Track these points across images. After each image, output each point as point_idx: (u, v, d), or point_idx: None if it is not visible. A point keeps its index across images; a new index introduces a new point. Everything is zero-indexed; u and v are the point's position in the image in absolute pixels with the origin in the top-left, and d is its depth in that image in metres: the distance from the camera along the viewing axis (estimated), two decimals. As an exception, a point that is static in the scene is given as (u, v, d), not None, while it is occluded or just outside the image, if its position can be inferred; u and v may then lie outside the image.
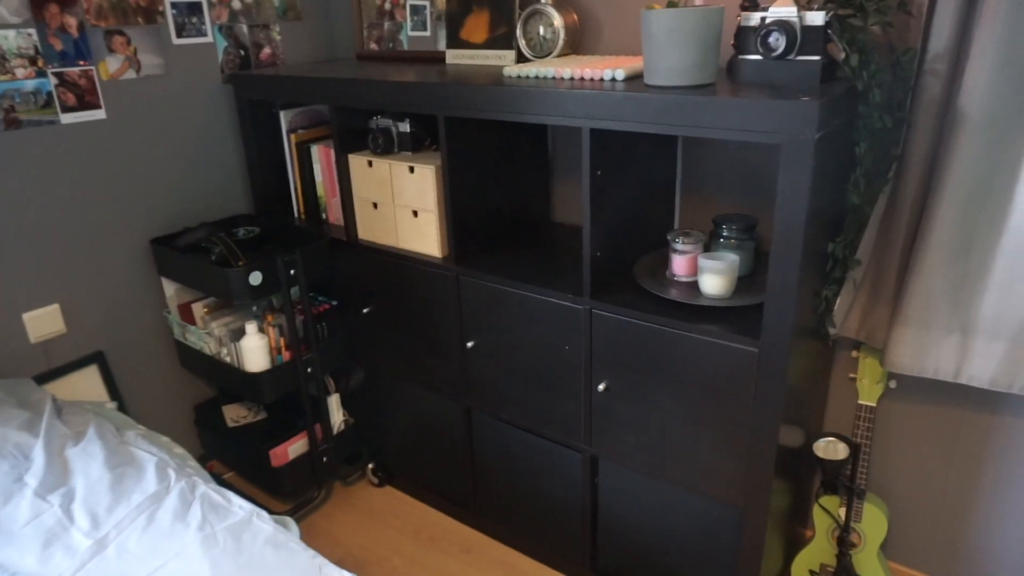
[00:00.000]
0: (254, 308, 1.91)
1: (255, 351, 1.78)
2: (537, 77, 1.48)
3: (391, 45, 2.09)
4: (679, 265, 1.47)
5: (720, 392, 1.34)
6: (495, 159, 1.69)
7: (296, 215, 2.04)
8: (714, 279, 1.38)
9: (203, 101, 1.94)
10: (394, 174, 1.71)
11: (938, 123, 1.26)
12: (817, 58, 1.20)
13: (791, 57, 1.21)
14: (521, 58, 1.71)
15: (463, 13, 1.80)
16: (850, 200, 1.33)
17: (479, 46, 1.79)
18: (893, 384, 1.53)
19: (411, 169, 1.67)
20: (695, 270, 1.46)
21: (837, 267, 1.38)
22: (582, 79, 1.42)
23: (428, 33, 2.00)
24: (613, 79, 1.38)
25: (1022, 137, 1.18)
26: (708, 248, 1.47)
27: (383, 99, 1.62)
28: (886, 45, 1.25)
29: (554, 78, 1.45)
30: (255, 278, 1.68)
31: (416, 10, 2.03)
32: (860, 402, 1.52)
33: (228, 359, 1.83)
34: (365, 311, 1.87)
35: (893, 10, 1.23)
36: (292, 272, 1.75)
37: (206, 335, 1.84)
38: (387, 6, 2.08)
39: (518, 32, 1.68)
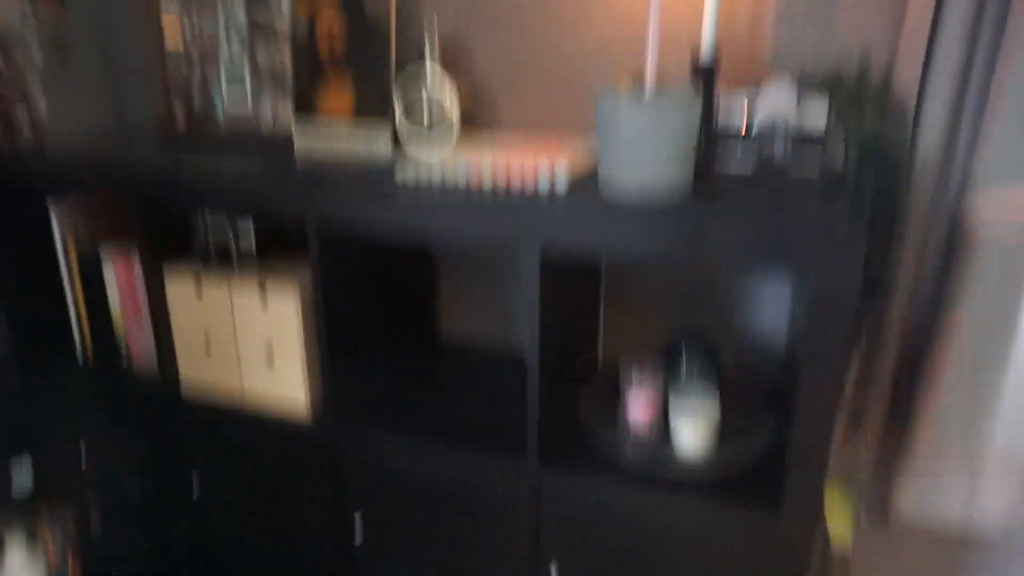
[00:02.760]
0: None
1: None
2: (445, 175, 1.11)
3: (204, 112, 1.60)
4: (637, 405, 1.16)
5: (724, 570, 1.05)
6: (375, 272, 1.28)
7: (82, 355, 1.45)
8: (694, 427, 1.09)
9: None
10: (236, 296, 1.24)
11: (926, 234, 1.10)
12: (819, 162, 0.97)
13: (791, 160, 0.97)
14: (400, 132, 1.32)
15: (317, 79, 1.38)
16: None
17: (340, 120, 1.37)
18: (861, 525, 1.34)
19: (263, 289, 1.21)
20: (654, 410, 1.17)
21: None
22: (509, 178, 1.08)
23: (249, 107, 1.54)
24: (553, 180, 1.06)
25: (1027, 251, 1.04)
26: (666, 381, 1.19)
27: (226, 201, 1.15)
28: (876, 141, 1.06)
29: (468, 176, 1.10)
30: (23, 477, 1.10)
31: (234, 72, 1.57)
32: (834, 546, 1.31)
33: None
34: (196, 498, 1.33)
35: (880, 105, 1.05)
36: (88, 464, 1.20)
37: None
38: (196, 72, 1.59)
39: (397, 102, 1.30)
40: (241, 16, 1.51)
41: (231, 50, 1.54)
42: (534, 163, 1.08)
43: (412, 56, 1.29)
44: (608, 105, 0.94)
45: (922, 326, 1.13)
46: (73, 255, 1.40)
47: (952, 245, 1.08)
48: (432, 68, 1.25)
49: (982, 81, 1.03)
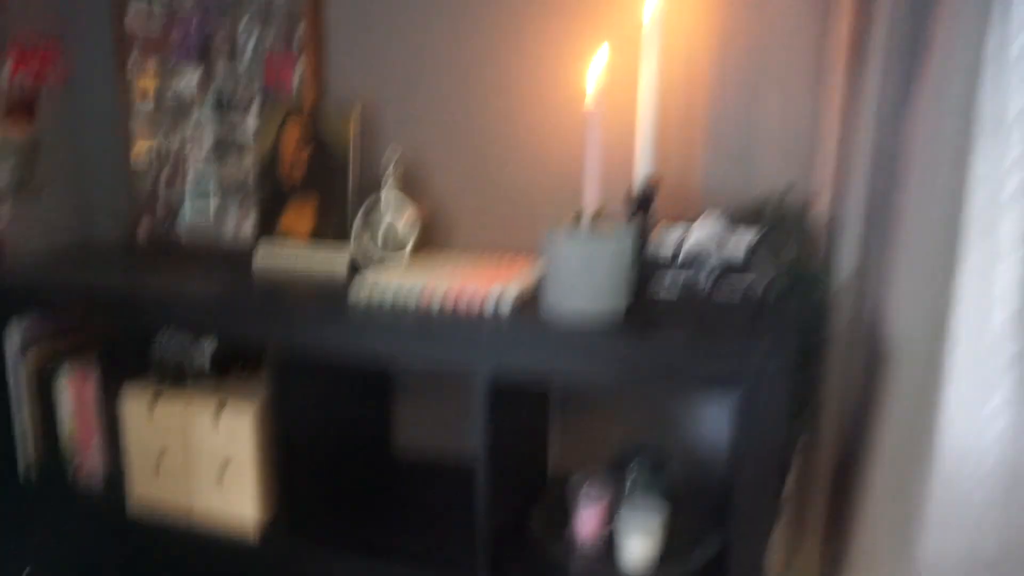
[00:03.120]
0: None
1: None
2: (399, 296, 1.17)
3: (167, 226, 1.65)
4: (587, 519, 1.19)
5: None
6: (331, 387, 1.31)
7: (24, 468, 1.42)
8: (641, 542, 1.12)
9: None
10: (192, 414, 1.26)
11: (852, 348, 1.19)
12: (745, 286, 1.06)
13: (718, 285, 1.06)
14: (360, 254, 1.39)
15: (280, 201, 1.46)
16: (775, 436, 1.18)
17: (302, 241, 1.44)
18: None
19: (219, 408, 1.24)
20: (604, 524, 1.20)
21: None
22: (459, 301, 1.14)
23: (211, 209, 1.60)
24: (501, 302, 1.12)
25: (940, 365, 1.12)
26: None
27: (182, 318, 1.19)
28: (798, 267, 1.16)
29: (421, 298, 1.16)
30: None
31: (201, 179, 1.63)
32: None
33: None
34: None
35: (800, 236, 1.16)
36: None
37: None
38: (163, 178, 1.66)
39: (357, 226, 1.37)
40: (209, 132, 1.59)
41: (197, 164, 1.61)
42: (484, 288, 1.14)
43: (374, 179, 1.38)
44: (550, 239, 1.02)
45: (853, 437, 1.20)
46: (29, 372, 1.40)
47: (873, 358, 1.17)
48: (391, 195, 1.33)
49: (888, 208, 1.15)
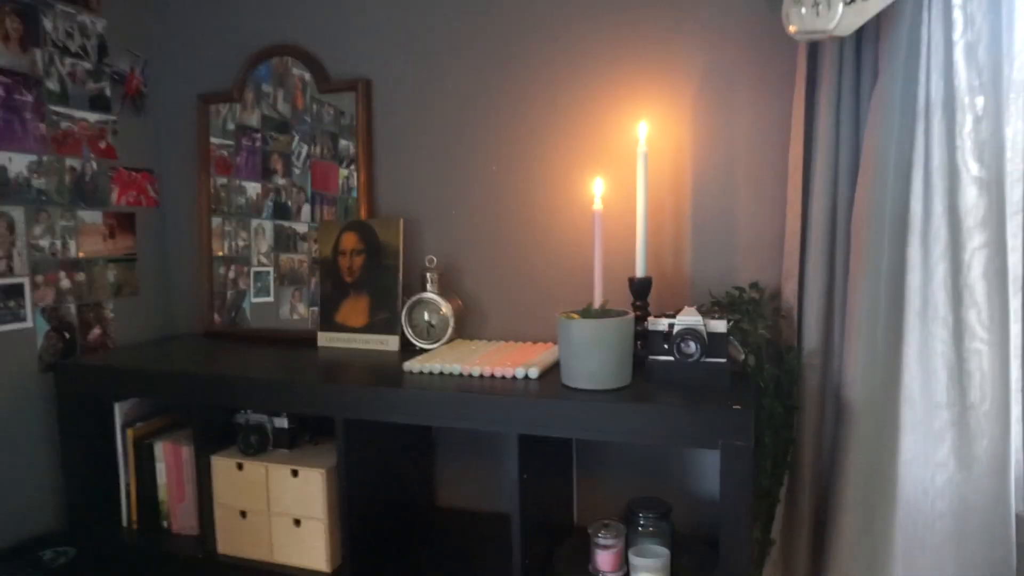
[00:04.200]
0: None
1: None
2: (443, 374, 1.43)
3: (233, 315, 1.94)
4: (604, 560, 1.40)
5: None
6: (387, 452, 1.56)
7: (127, 524, 1.68)
8: (649, 577, 1.33)
9: (12, 397, 1.61)
10: (272, 478, 1.50)
11: (821, 409, 1.41)
12: (724, 360, 1.30)
13: (701, 360, 1.30)
14: (406, 343, 1.66)
15: (339, 297, 1.74)
16: (761, 484, 1.39)
17: (357, 330, 1.71)
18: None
19: (295, 473, 1.48)
20: (618, 564, 1.40)
21: (756, 549, 1.41)
22: (492, 376, 1.40)
23: (271, 299, 1.90)
24: (527, 377, 1.37)
25: (895, 422, 1.34)
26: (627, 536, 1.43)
27: (263, 399, 1.45)
28: (772, 343, 1.40)
29: (461, 375, 1.41)
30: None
31: (262, 274, 1.93)
32: None
33: None
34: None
35: (772, 316, 1.41)
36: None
37: None
38: (232, 274, 1.96)
39: (403, 319, 1.65)
40: (268, 234, 1.89)
41: (259, 262, 1.91)
42: (512, 365, 1.40)
43: (417, 278, 1.66)
44: (565, 325, 1.28)
45: (828, 483, 1.40)
46: (131, 443, 1.66)
47: (840, 416, 1.38)
48: (431, 296, 1.62)
49: (842, 291, 1.39)
